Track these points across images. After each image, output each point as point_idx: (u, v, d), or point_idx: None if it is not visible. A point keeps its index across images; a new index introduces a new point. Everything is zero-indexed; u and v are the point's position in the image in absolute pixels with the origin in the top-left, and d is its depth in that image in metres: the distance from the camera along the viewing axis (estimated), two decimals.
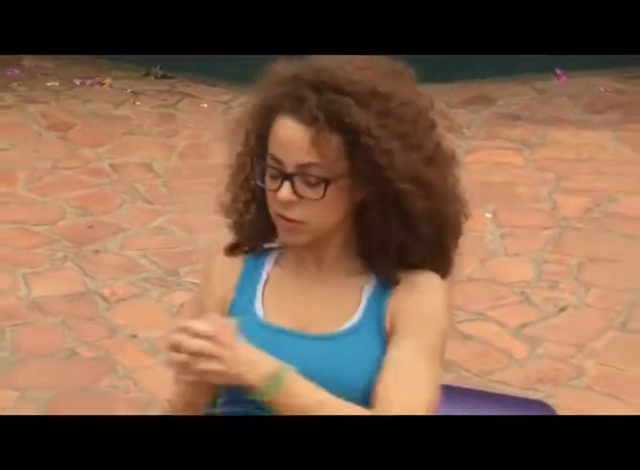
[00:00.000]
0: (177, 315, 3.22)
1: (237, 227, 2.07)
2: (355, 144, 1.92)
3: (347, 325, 2.02)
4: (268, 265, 2.07)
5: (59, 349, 3.04)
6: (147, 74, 4.83)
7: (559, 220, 3.78)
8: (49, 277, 3.37)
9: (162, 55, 4.66)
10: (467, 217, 2.08)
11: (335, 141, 1.93)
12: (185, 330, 1.86)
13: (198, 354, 1.85)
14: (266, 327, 2.02)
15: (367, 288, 2.05)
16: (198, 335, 1.85)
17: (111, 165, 4.08)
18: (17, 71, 4.84)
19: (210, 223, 3.72)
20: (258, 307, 2.04)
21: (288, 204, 1.95)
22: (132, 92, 4.70)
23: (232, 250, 2.08)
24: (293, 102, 1.94)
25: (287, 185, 1.94)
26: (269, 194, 1.99)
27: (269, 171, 1.98)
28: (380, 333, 2.02)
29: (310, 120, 1.92)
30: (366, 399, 1.93)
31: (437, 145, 1.98)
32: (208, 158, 3.94)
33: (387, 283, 2.03)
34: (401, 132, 1.95)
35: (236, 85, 4.34)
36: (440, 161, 1.99)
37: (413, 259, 2.03)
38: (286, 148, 1.95)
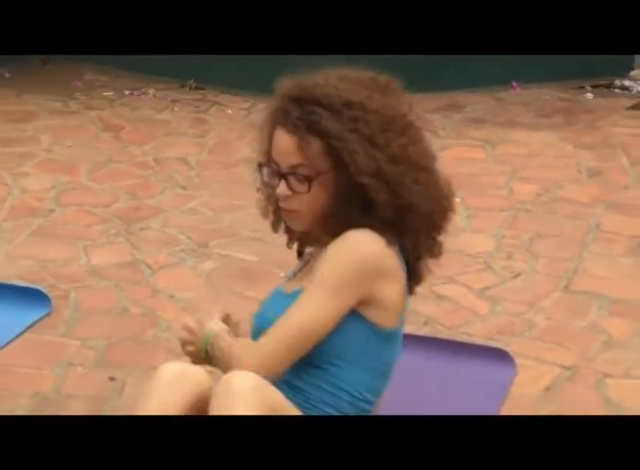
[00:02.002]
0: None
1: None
2: (330, 146, 1.93)
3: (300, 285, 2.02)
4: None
5: (112, 306, 3.05)
6: (183, 86, 4.84)
7: (514, 203, 3.78)
8: (104, 249, 3.38)
9: (195, 70, 4.72)
10: (449, 210, 2.06)
11: (315, 144, 1.95)
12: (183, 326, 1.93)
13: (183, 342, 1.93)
14: (275, 290, 2.05)
15: None
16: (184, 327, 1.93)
17: (154, 159, 4.09)
18: (79, 84, 4.85)
19: (233, 206, 3.76)
20: (283, 279, 2.06)
21: (285, 197, 1.96)
22: (171, 100, 4.70)
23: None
24: (282, 115, 1.96)
25: (283, 183, 1.97)
26: (273, 190, 2.00)
27: (271, 172, 1.99)
28: None
29: (294, 129, 1.95)
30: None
31: (404, 146, 1.95)
32: (232, 153, 3.95)
33: None
34: (367, 135, 1.95)
35: (255, 95, 4.36)
36: (409, 160, 1.97)
37: (417, 244, 2.04)
38: (280, 153, 1.98)
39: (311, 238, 2.06)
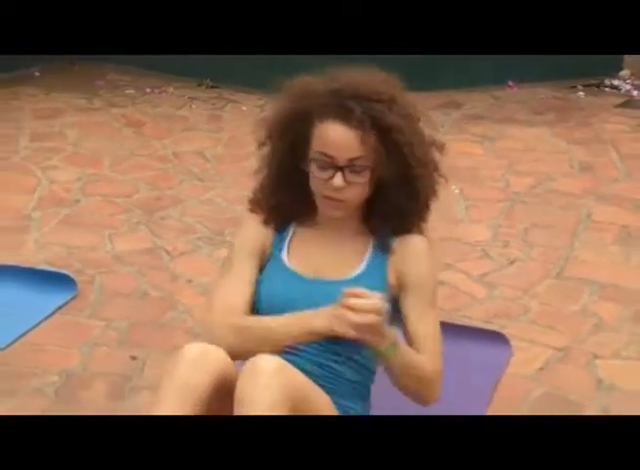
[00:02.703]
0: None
1: (275, 207, 2.08)
2: (387, 139, 1.95)
3: (354, 274, 2.04)
4: (295, 225, 2.08)
5: (134, 290, 3.04)
6: (200, 85, 4.82)
7: (510, 195, 3.77)
8: (127, 237, 3.38)
9: (212, 70, 4.70)
10: (437, 192, 2.10)
11: (373, 138, 1.94)
12: (366, 298, 1.86)
13: (369, 327, 1.87)
14: (292, 272, 2.03)
15: (369, 247, 2.07)
16: (378, 311, 1.86)
17: (172, 153, 4.08)
18: (103, 83, 4.84)
19: (245, 197, 3.70)
20: (284, 257, 2.05)
21: (340, 188, 1.96)
22: (189, 98, 4.69)
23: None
24: (340, 111, 1.94)
25: (339, 175, 1.95)
26: (318, 181, 1.99)
27: (318, 164, 1.97)
28: (382, 284, 2.04)
29: (358, 125, 1.94)
30: None
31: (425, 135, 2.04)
32: (245, 148, 3.92)
33: (384, 245, 2.06)
34: (414, 129, 1.99)
35: (268, 93, 4.35)
36: (431, 148, 2.04)
37: (406, 226, 2.05)
38: (337, 146, 1.95)
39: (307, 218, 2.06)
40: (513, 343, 2.75)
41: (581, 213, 3.61)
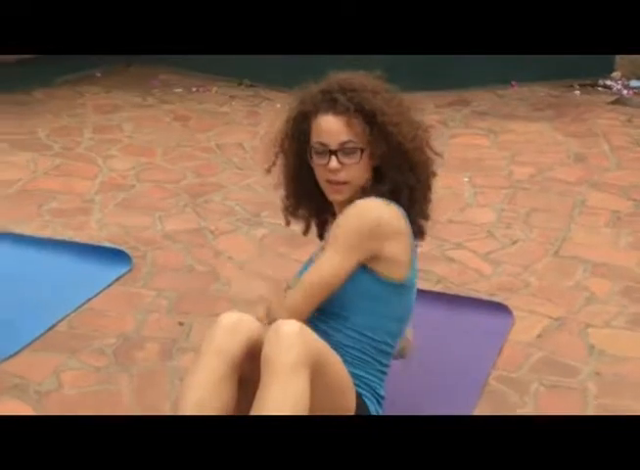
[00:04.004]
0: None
1: (307, 213, 2.09)
2: (374, 122, 1.93)
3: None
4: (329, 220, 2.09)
5: (182, 265, 3.04)
6: (240, 84, 4.81)
7: (513, 183, 3.73)
8: (175, 218, 3.37)
9: (250, 71, 4.69)
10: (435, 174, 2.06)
11: (360, 122, 1.93)
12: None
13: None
14: (311, 259, 2.03)
15: None
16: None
17: (216, 145, 4.07)
18: (156, 82, 4.84)
19: (279, 183, 3.73)
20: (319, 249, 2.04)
21: (336, 171, 1.94)
22: (230, 96, 4.67)
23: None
24: (328, 103, 1.94)
25: (334, 158, 1.94)
26: (319, 168, 1.98)
27: (316, 153, 1.97)
28: None
29: (343, 111, 1.93)
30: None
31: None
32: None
33: None
34: (400, 112, 1.96)
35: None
36: (418, 128, 2.00)
37: (408, 202, 2.01)
38: (329, 133, 1.95)
39: (332, 216, 2.04)
40: (514, 313, 2.73)
41: (576, 199, 3.57)
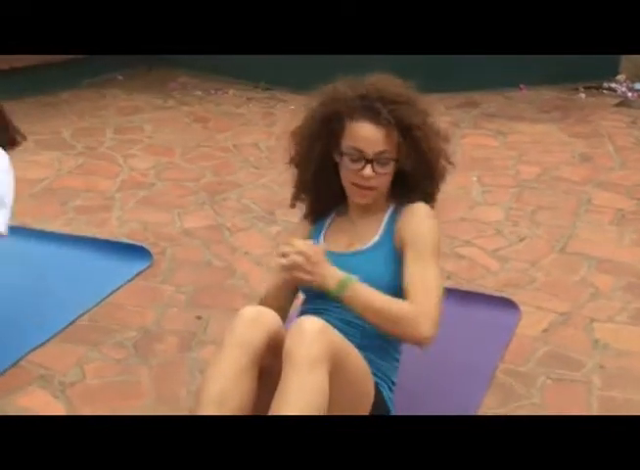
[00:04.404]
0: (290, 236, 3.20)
1: (314, 200, 2.08)
2: (409, 136, 1.95)
3: (371, 242, 2.02)
4: (332, 216, 2.09)
5: (200, 260, 3.04)
6: (256, 87, 4.81)
7: (520, 182, 3.71)
8: (194, 215, 3.37)
9: (266, 74, 4.68)
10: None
11: (397, 135, 1.95)
12: (291, 245, 1.86)
13: (296, 266, 1.85)
14: (330, 253, 2.02)
15: (386, 217, 2.06)
16: (299, 252, 1.85)
17: (233, 145, 4.07)
18: (175, 85, 4.84)
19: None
20: (321, 239, 2.05)
21: (369, 178, 1.96)
22: (247, 98, 4.67)
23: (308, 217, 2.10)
24: (370, 112, 1.94)
25: (369, 166, 1.96)
26: (349, 172, 1.99)
27: (350, 157, 1.98)
28: (391, 246, 2.00)
29: (385, 124, 1.94)
30: (390, 290, 1.92)
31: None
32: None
33: (396, 213, 2.04)
34: (429, 124, 1.99)
35: (312, 94, 4.32)
36: (440, 138, 2.03)
37: (418, 199, 2.03)
38: (367, 141, 1.95)
39: (339, 211, 2.05)
40: (521, 308, 2.71)
41: (582, 198, 3.54)
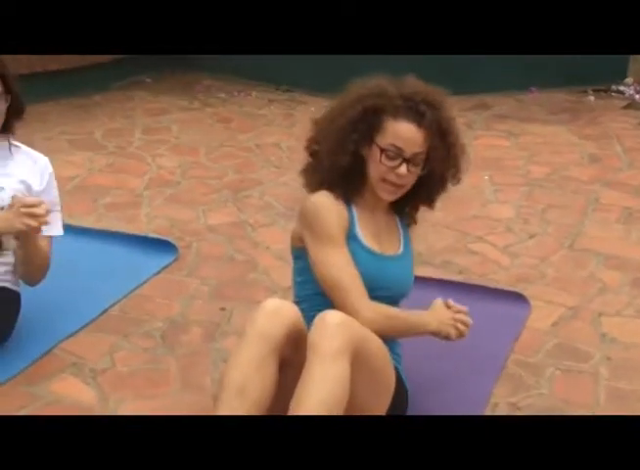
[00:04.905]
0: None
1: (335, 182, 2.03)
2: (444, 141, 1.95)
3: (402, 249, 2.04)
4: (354, 207, 2.04)
5: (223, 255, 3.05)
6: (277, 89, 4.80)
7: (530, 181, 3.68)
8: (217, 212, 3.38)
9: (287, 77, 4.67)
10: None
11: (434, 139, 1.95)
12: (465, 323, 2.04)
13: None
14: (367, 249, 2.01)
15: (399, 224, 2.08)
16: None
17: (255, 145, 4.07)
18: (200, 88, 4.85)
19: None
20: (360, 235, 2.01)
21: (403, 176, 1.96)
22: (268, 100, 4.67)
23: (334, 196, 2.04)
24: (415, 114, 1.93)
25: (404, 165, 1.95)
26: (383, 167, 1.96)
27: (387, 154, 1.96)
28: (412, 253, 2.08)
29: (427, 126, 1.93)
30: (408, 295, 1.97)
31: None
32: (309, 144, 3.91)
33: (405, 220, 2.07)
34: (457, 131, 2.00)
35: (332, 96, 4.31)
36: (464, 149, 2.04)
37: (426, 205, 2.06)
38: (408, 141, 1.94)
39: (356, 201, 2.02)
40: (531, 302, 2.70)
41: (590, 197, 3.52)
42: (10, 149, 2.38)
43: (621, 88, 4.83)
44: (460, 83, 4.44)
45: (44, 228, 2.25)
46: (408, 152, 1.92)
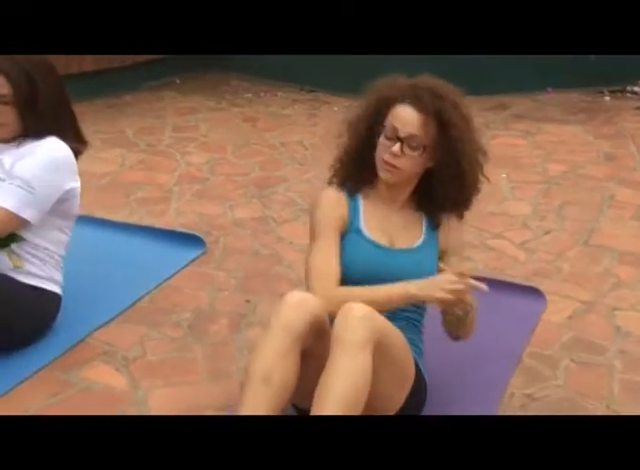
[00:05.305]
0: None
1: (344, 173, 2.07)
2: (444, 132, 1.92)
3: (418, 243, 2.01)
4: (361, 199, 2.05)
5: (248, 249, 3.05)
6: (301, 90, 4.80)
7: (547, 179, 3.66)
8: (244, 207, 3.38)
9: (311, 78, 4.66)
10: (485, 181, 2.05)
11: (432, 125, 1.92)
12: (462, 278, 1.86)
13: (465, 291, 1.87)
14: (371, 242, 2.00)
15: (423, 221, 2.05)
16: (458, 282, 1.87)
17: (280, 143, 4.07)
18: (227, 88, 4.85)
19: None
20: (363, 226, 2.02)
21: (396, 156, 1.94)
22: (293, 100, 4.67)
23: (338, 187, 2.07)
24: (414, 98, 1.93)
25: (398, 144, 1.94)
26: (381, 146, 1.99)
27: (385, 133, 1.98)
28: (436, 251, 2.03)
29: (423, 110, 1.92)
30: None
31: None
32: (336, 139, 3.90)
33: (434, 220, 2.04)
34: (469, 132, 1.96)
35: (354, 96, 4.30)
36: (479, 152, 1.98)
37: (453, 209, 2.04)
38: (403, 121, 1.94)
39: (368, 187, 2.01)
40: (547, 296, 2.68)
41: (605, 194, 3.49)
42: (18, 146, 2.19)
43: (636, 89, 4.78)
44: (479, 84, 4.44)
45: None
46: (403, 132, 1.91)
